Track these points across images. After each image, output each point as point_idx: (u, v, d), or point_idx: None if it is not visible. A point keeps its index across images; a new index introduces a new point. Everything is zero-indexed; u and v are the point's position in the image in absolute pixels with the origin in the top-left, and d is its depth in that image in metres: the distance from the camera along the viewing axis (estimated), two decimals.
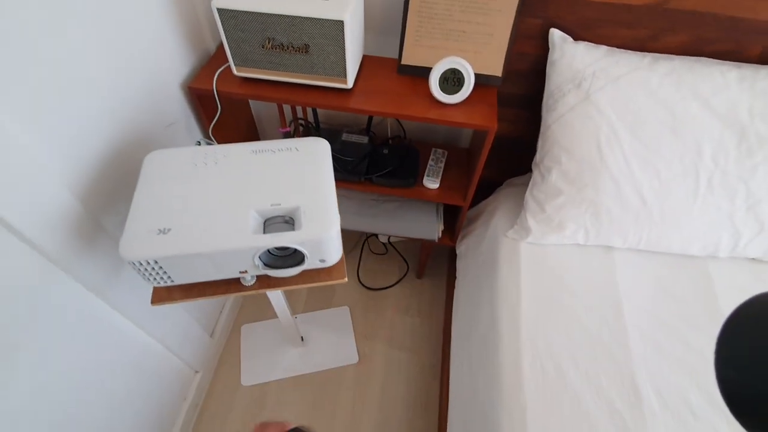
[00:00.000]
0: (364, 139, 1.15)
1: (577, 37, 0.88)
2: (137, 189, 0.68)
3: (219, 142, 1.00)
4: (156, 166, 0.71)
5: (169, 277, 0.64)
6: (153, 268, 0.62)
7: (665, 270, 0.96)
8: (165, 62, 0.88)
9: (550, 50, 0.89)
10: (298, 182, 0.69)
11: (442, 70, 0.85)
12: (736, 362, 0.35)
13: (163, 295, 0.72)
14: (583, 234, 0.96)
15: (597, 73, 0.85)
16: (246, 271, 0.67)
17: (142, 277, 0.64)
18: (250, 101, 1.19)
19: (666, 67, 0.84)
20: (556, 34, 0.88)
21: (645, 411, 0.76)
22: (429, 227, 1.18)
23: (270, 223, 0.66)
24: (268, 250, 0.65)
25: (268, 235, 0.63)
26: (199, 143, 0.83)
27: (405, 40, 0.92)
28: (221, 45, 1.01)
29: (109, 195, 0.76)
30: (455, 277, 1.30)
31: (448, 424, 0.99)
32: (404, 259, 1.50)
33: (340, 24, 0.79)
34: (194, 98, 0.94)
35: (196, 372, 1.18)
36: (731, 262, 0.96)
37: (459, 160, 1.16)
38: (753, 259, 0.96)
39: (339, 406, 1.22)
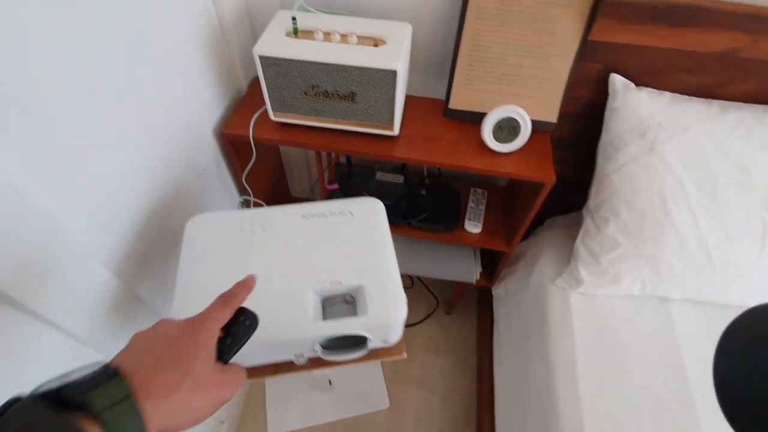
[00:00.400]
0: (399, 179, 1.09)
1: (638, 83, 0.83)
2: (181, 260, 0.62)
3: (251, 189, 0.94)
4: (200, 233, 0.65)
5: None
6: None
7: (724, 322, 0.91)
8: (199, 107, 0.82)
9: (610, 96, 0.84)
10: (357, 254, 0.63)
11: (498, 119, 0.80)
12: (733, 376, 0.36)
13: None
14: (639, 286, 0.91)
15: (663, 123, 0.80)
16: (302, 355, 0.61)
17: None
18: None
19: (735, 117, 0.79)
20: (617, 80, 0.82)
21: None
22: (467, 270, 1.13)
23: (329, 304, 0.60)
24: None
25: (331, 322, 0.57)
26: (242, 204, 0.77)
27: (453, 84, 0.86)
28: (253, 83, 0.96)
29: (144, 260, 0.70)
30: (489, 318, 1.25)
31: None
32: (432, 294, 1.44)
33: (392, 74, 0.73)
34: (227, 144, 0.88)
35: (221, 422, 1.12)
36: None
37: (499, 200, 1.10)
38: None
39: None
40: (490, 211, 1.07)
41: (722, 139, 0.79)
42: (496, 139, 0.82)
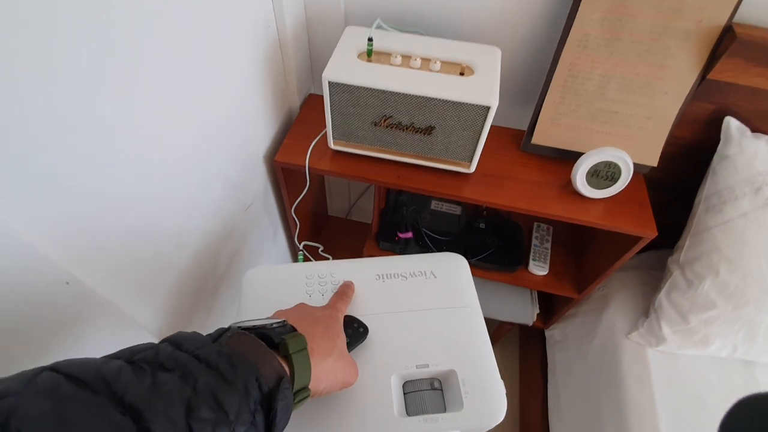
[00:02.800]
0: (457, 209, 0.99)
1: (753, 128, 0.72)
2: (243, 309, 0.53)
3: (298, 220, 0.84)
4: (260, 291, 0.56)
5: None
6: None
7: None
8: (252, 131, 0.72)
9: (722, 142, 0.73)
10: (446, 331, 0.53)
11: (595, 162, 0.70)
12: None
13: None
14: (729, 349, 0.81)
15: None
16: None
17: None
18: None
19: None
20: (733, 124, 0.72)
21: None
22: (523, 312, 1.03)
23: (411, 391, 0.51)
24: None
25: (420, 419, 0.48)
26: (301, 255, 0.68)
27: (540, 116, 0.76)
28: (308, 102, 0.86)
29: (187, 317, 0.61)
30: (535, 356, 1.17)
31: None
32: None
33: (485, 110, 0.63)
34: (279, 172, 0.78)
35: None
36: None
37: (566, 237, 1.00)
38: None
39: None
40: (556, 250, 0.97)
41: None
42: (589, 185, 0.72)
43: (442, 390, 0.51)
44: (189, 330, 0.33)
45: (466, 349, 0.52)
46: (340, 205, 1.22)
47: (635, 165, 0.75)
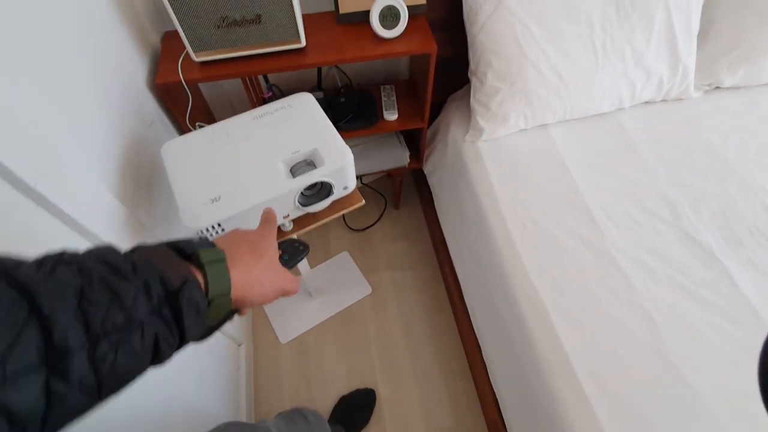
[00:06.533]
0: (320, 95, 1.26)
1: None
2: (170, 174, 0.76)
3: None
4: (177, 152, 0.79)
5: None
6: (216, 232, 0.72)
7: (589, 130, 1.22)
8: (128, 65, 0.92)
9: None
10: (304, 130, 0.81)
11: (380, 9, 0.99)
12: None
13: None
14: (523, 120, 1.17)
15: None
16: (288, 216, 0.80)
17: None
18: (200, 85, 1.23)
19: None
20: None
21: (603, 229, 1.01)
22: (398, 155, 1.35)
23: (296, 169, 0.78)
24: (302, 192, 0.78)
25: (301, 176, 0.76)
26: (199, 125, 0.91)
27: None
28: (166, 37, 1.05)
29: (137, 187, 0.83)
30: (429, 198, 1.50)
31: (465, 299, 1.21)
32: (381, 194, 1.66)
33: None
34: (163, 93, 0.99)
35: (239, 345, 1.29)
36: (633, 109, 1.23)
37: (405, 90, 1.31)
38: (647, 102, 1.24)
39: (369, 330, 1.40)
40: (401, 100, 1.27)
41: None
42: (383, 27, 1.01)
43: (314, 164, 0.79)
44: None
45: (320, 134, 0.81)
46: (226, 115, 1.42)
47: (414, 7, 1.06)
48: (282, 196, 0.75)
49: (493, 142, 1.20)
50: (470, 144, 1.22)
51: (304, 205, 0.80)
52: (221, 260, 0.38)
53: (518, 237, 1.01)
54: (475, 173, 1.16)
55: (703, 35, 1.19)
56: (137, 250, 0.35)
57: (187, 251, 0.37)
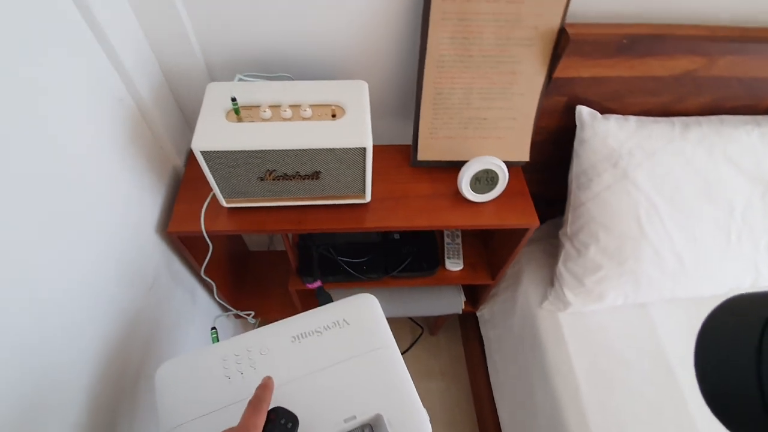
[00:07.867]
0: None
1: (603, 109, 0.81)
2: (161, 418, 0.52)
3: (212, 281, 0.82)
4: (175, 384, 0.55)
5: None
6: None
7: (697, 312, 0.97)
8: (137, 209, 0.69)
9: (578, 128, 0.82)
10: (366, 375, 0.56)
11: (475, 171, 0.75)
12: (712, 369, 0.36)
13: None
14: (622, 299, 0.94)
15: (633, 150, 0.79)
16: None
17: None
18: None
19: (696, 134, 0.80)
20: (584, 111, 0.80)
21: None
22: (454, 303, 1.10)
23: None
24: None
25: None
26: (214, 330, 0.66)
27: (420, 135, 0.79)
28: (192, 159, 0.82)
29: (111, 422, 0.59)
30: (474, 338, 1.25)
31: None
32: (415, 322, 1.41)
33: (361, 151, 0.65)
34: (177, 242, 0.75)
35: None
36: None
37: (472, 232, 1.07)
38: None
39: None
40: (467, 245, 1.03)
41: (689, 157, 0.80)
42: (474, 191, 0.77)
43: None
44: None
45: (386, 389, 0.56)
46: (258, 239, 1.20)
47: (511, 162, 0.82)
48: None
49: (578, 316, 0.96)
50: (548, 313, 0.97)
51: None
52: None
53: None
54: (554, 358, 0.92)
55: None
56: None
57: None
